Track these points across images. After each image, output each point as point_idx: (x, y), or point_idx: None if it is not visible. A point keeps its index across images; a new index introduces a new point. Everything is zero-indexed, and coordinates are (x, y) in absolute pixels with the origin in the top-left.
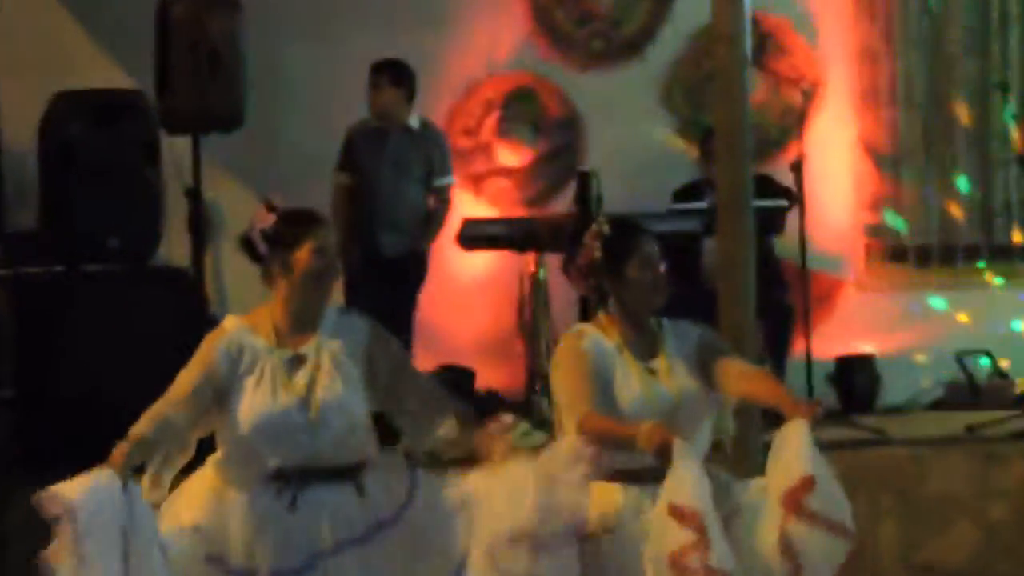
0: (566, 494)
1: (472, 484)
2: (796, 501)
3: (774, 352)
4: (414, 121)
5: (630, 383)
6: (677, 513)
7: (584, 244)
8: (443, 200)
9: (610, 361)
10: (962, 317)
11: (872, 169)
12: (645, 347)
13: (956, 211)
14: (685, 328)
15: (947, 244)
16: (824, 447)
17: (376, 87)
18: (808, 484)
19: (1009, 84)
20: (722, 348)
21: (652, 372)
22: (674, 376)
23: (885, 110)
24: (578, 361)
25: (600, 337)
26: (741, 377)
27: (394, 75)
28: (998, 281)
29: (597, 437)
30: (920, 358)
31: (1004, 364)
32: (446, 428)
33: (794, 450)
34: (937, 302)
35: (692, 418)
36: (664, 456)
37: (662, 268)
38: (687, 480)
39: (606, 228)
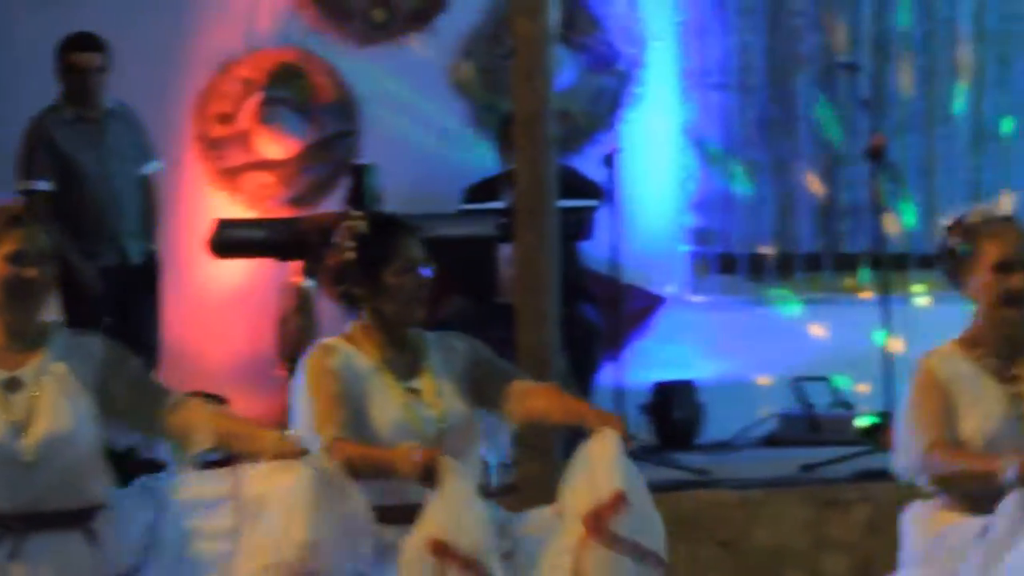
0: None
1: (246, 489)
2: (601, 522)
3: (578, 377)
4: (111, 102)
5: (388, 406)
6: (440, 551)
7: (335, 244)
8: (154, 190)
9: (364, 381)
10: (803, 336)
11: (699, 164)
12: (406, 364)
13: (796, 213)
14: (452, 342)
15: (785, 252)
16: None
17: (76, 67)
18: (618, 502)
19: (858, 64)
20: (498, 364)
21: (414, 393)
22: (440, 397)
23: (715, 94)
24: (325, 381)
25: (353, 353)
26: (527, 395)
27: (97, 48)
28: (845, 294)
29: (348, 466)
30: (751, 385)
31: (862, 388)
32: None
33: (603, 464)
34: (772, 319)
35: (460, 444)
36: (430, 478)
37: (427, 274)
38: (456, 509)
39: (362, 226)
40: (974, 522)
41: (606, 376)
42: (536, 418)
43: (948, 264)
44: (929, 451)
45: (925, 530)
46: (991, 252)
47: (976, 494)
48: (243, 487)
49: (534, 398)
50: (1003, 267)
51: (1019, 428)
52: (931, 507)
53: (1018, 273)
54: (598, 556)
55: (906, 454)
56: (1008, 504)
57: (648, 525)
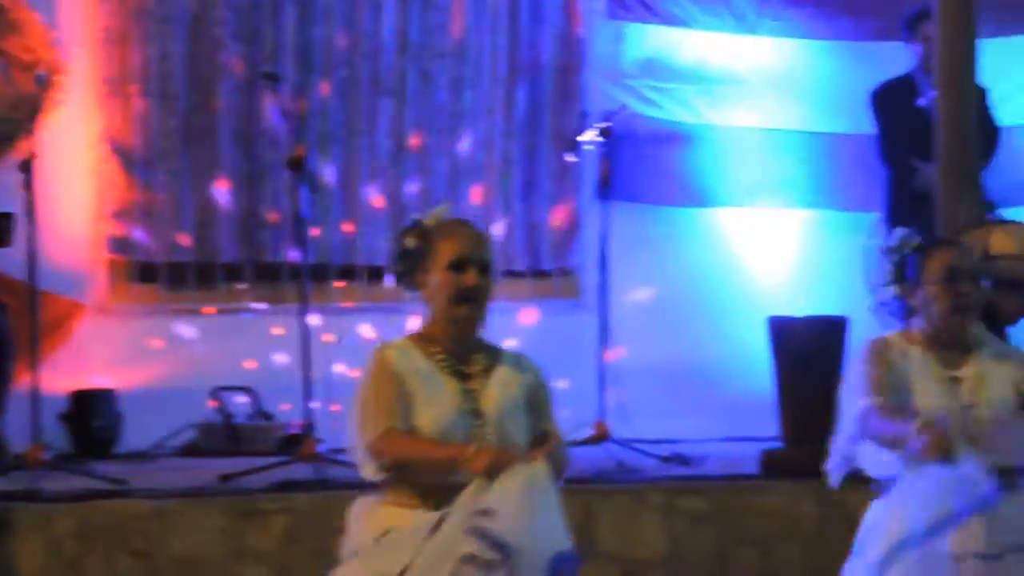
0: None
1: None
2: None
3: None
4: None
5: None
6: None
7: None
8: None
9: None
10: (224, 346)
11: (119, 171)
12: None
13: (217, 223)
14: None
15: (205, 262)
16: (49, 498)
17: None
18: None
19: (280, 75)
20: None
21: None
22: None
23: (135, 101)
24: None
25: None
26: None
27: None
28: (269, 303)
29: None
30: (172, 394)
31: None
32: None
33: None
34: (192, 329)
35: None
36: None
37: None
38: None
39: None
40: (423, 517)
41: (23, 384)
42: None
43: (404, 265)
44: (385, 436)
45: (369, 524)
46: (446, 252)
47: (429, 482)
48: None
49: None
50: (456, 266)
51: (471, 423)
52: (376, 501)
53: (470, 271)
54: None
55: (359, 441)
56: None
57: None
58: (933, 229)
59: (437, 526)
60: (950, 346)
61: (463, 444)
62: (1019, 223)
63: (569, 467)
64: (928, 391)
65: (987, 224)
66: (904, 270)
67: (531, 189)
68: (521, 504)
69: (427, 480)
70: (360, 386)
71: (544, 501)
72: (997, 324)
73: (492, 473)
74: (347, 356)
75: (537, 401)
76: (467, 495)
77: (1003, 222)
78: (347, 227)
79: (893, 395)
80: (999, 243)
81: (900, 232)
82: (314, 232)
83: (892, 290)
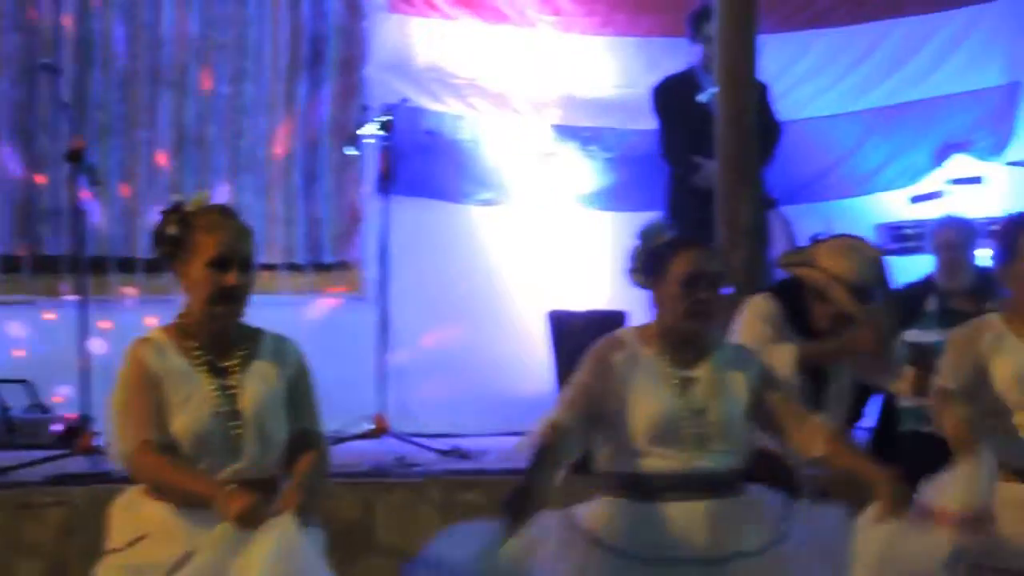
0: None
1: None
2: None
3: None
4: None
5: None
6: None
7: None
8: None
9: None
10: (1, 338)
11: None
12: None
13: None
14: None
15: None
16: None
17: None
18: None
19: (58, 66)
20: None
21: None
22: None
23: None
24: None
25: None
26: None
27: None
28: (46, 296)
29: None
30: None
31: (63, 392)
32: None
33: None
34: None
35: None
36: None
37: None
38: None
39: None
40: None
41: None
42: None
43: (164, 250)
44: (139, 452)
45: (127, 523)
46: (207, 247)
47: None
48: None
49: None
50: (217, 263)
51: (228, 425)
52: (139, 494)
53: (231, 270)
54: None
55: (115, 448)
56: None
57: None
58: (712, 225)
59: (182, 563)
60: (685, 347)
61: (216, 483)
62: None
63: (328, 469)
64: (655, 392)
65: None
66: (651, 263)
67: (312, 183)
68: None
69: None
70: (115, 387)
71: (296, 562)
72: (811, 334)
73: (243, 522)
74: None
75: (298, 394)
76: (215, 538)
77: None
78: (126, 219)
79: (588, 413)
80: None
81: (653, 223)
82: (93, 224)
83: (639, 280)
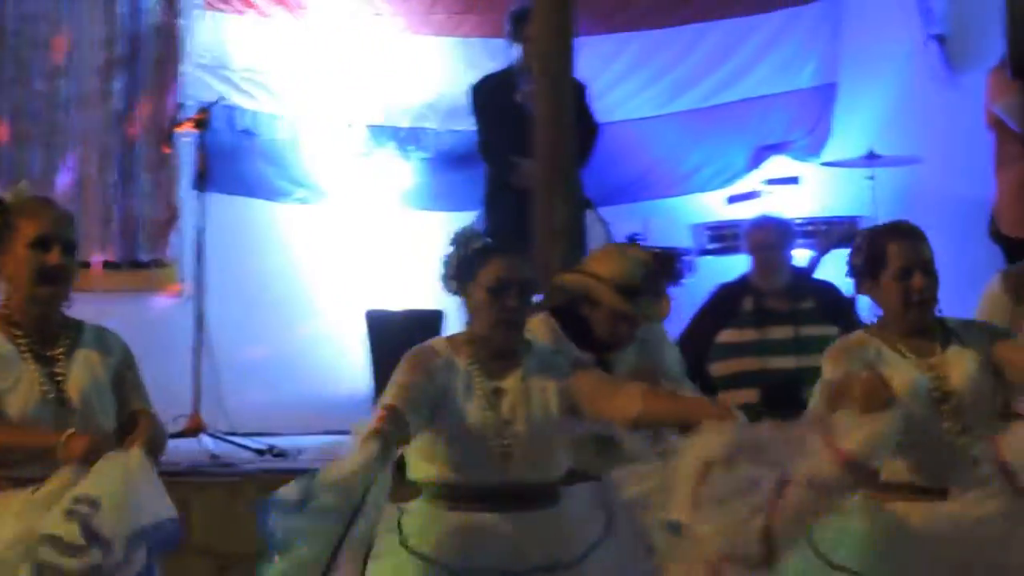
0: None
1: None
2: None
3: None
4: None
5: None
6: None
7: None
8: None
9: None
10: None
11: None
12: None
13: None
14: None
15: None
16: None
17: None
18: None
19: None
20: None
21: None
22: None
23: None
24: None
25: None
26: None
27: None
28: None
29: None
30: None
31: None
32: None
33: None
34: None
35: None
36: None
37: None
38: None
39: None
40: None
41: None
42: None
43: None
44: None
45: None
46: (28, 230)
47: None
48: None
49: None
50: (40, 244)
51: (56, 412)
52: None
53: (54, 250)
54: None
55: None
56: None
57: None
58: (528, 226)
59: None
60: (496, 356)
61: (54, 432)
62: (615, 243)
63: (166, 444)
64: (464, 403)
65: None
66: (461, 270)
67: (128, 180)
68: (120, 494)
69: (23, 474)
70: None
71: (142, 484)
72: (596, 345)
73: (87, 460)
74: None
75: (126, 381)
76: (59, 478)
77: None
78: None
79: (417, 407)
80: (594, 265)
81: (465, 229)
82: None
83: (452, 287)
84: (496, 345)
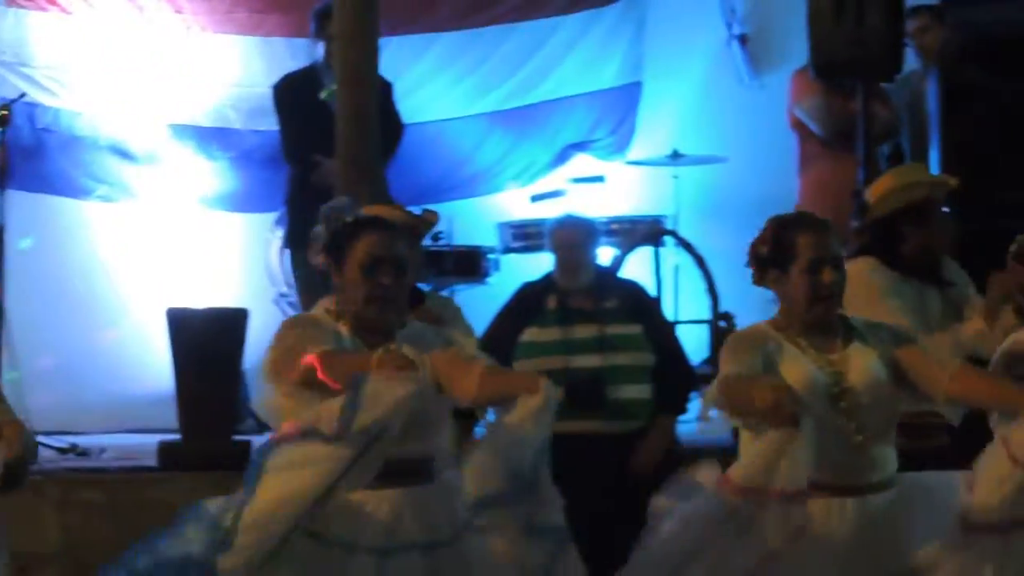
0: None
1: None
2: None
3: None
4: None
5: None
6: None
7: None
8: None
9: None
10: None
11: None
12: None
13: None
14: None
15: None
16: None
17: None
18: None
19: None
20: None
21: None
22: None
23: None
24: None
25: None
26: None
27: None
28: None
29: None
30: None
31: None
32: None
33: None
34: None
35: None
36: None
37: None
38: None
39: None
40: None
41: None
42: None
43: None
44: None
45: None
46: None
47: None
48: None
49: None
50: None
51: None
52: None
53: None
54: None
55: None
56: None
57: None
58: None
59: None
60: (372, 334)
61: None
62: None
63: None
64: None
65: None
66: (332, 246)
67: None
68: None
69: None
70: None
71: None
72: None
73: None
74: None
75: None
76: None
77: None
78: None
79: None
80: None
81: (336, 204)
82: None
83: (323, 263)
84: (369, 323)
